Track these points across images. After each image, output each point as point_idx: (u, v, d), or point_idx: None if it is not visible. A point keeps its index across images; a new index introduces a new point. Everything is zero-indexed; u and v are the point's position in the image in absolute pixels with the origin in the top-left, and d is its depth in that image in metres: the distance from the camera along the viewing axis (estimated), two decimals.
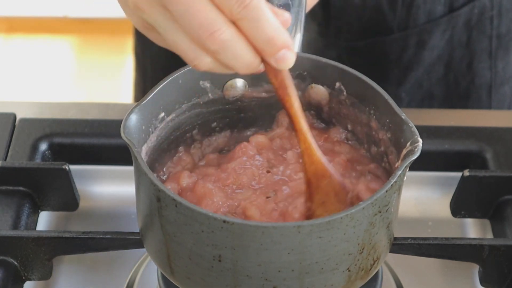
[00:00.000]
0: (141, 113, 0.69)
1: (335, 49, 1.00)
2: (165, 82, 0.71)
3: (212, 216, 0.61)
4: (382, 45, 1.00)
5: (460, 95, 1.05)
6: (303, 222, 0.61)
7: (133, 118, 0.67)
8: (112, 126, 0.90)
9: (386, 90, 0.99)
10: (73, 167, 0.86)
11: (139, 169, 0.65)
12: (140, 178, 0.66)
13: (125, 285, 0.77)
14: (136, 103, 0.69)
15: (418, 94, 1.04)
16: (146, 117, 0.69)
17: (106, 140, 0.89)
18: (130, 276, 0.78)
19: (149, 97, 0.69)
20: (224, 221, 0.60)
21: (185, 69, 0.71)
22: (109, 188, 0.89)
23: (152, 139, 0.71)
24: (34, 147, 0.87)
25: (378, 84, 0.99)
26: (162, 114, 0.71)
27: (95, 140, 0.89)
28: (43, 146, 0.88)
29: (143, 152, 0.69)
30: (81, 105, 0.95)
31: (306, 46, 0.95)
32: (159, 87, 0.70)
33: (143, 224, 0.69)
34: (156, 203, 0.64)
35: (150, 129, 0.70)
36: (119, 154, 0.87)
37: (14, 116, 0.91)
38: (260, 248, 0.61)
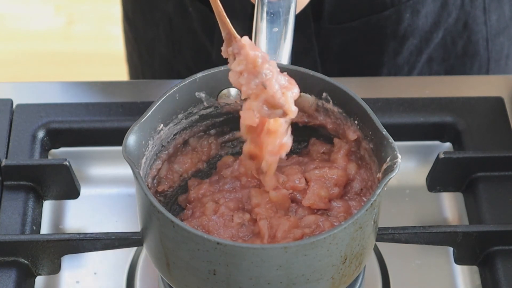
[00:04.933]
0: (141, 130, 0.77)
1: (330, 31, 1.06)
2: (163, 98, 0.79)
3: (207, 238, 0.70)
4: (377, 21, 1.06)
5: (457, 53, 1.12)
6: (289, 243, 0.70)
7: (133, 138, 0.76)
8: (110, 108, 0.98)
9: (383, 62, 1.09)
10: (72, 150, 0.95)
11: (139, 190, 0.74)
12: (140, 197, 0.75)
13: (125, 285, 0.87)
14: (135, 122, 0.77)
15: (417, 61, 1.11)
16: (145, 132, 0.78)
17: (103, 124, 0.98)
18: (129, 275, 0.88)
19: (147, 115, 0.78)
20: (218, 243, 0.70)
21: (181, 84, 0.80)
22: (109, 170, 0.97)
23: (150, 148, 0.80)
24: (34, 136, 0.96)
25: (375, 56, 1.08)
26: (161, 126, 0.80)
27: (93, 124, 0.98)
28: (42, 134, 0.96)
29: (142, 162, 0.78)
30: (78, 85, 1.03)
31: (301, 31, 1.03)
32: (157, 104, 0.79)
33: (144, 231, 0.78)
34: (156, 221, 0.73)
35: (150, 142, 0.79)
36: (119, 136, 0.96)
37: (11, 102, 0.99)
38: (251, 265, 0.71)
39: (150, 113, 0.79)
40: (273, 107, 0.75)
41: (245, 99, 0.84)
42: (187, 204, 0.83)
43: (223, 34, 0.76)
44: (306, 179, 0.81)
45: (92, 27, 2.30)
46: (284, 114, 0.75)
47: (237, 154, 0.87)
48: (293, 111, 0.75)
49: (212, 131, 0.86)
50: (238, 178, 0.83)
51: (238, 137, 0.87)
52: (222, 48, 0.76)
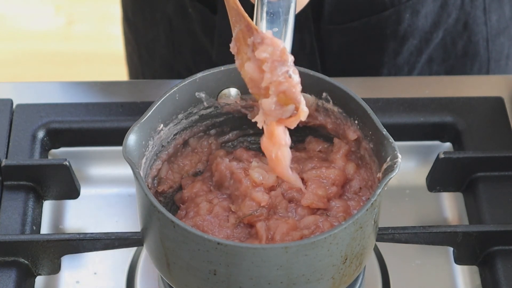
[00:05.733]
0: (141, 130, 0.77)
1: (330, 31, 1.06)
2: (163, 98, 0.79)
3: (207, 238, 0.70)
4: (376, 22, 1.06)
5: (457, 54, 1.12)
6: (290, 243, 0.70)
7: (133, 138, 0.76)
8: (110, 108, 0.98)
9: (383, 62, 1.09)
10: (72, 150, 0.96)
11: (139, 190, 0.74)
12: (140, 197, 0.75)
13: (125, 285, 0.87)
14: (135, 122, 0.77)
15: (417, 61, 1.11)
16: (145, 132, 0.78)
17: (103, 124, 0.98)
18: (129, 275, 0.88)
19: (147, 115, 0.78)
20: (218, 243, 0.70)
21: (181, 84, 0.80)
22: (109, 170, 0.97)
23: (150, 148, 0.80)
24: (34, 136, 0.96)
25: (375, 57, 1.08)
26: (161, 126, 0.80)
27: (93, 124, 0.98)
28: (42, 134, 0.96)
29: (142, 162, 0.78)
30: (78, 85, 1.03)
31: (301, 32, 1.03)
32: (157, 104, 0.79)
33: (144, 232, 0.78)
34: (156, 221, 0.73)
35: (150, 142, 0.79)
36: (119, 136, 0.96)
37: (11, 102, 0.99)
38: (251, 266, 0.71)
39: (150, 113, 0.79)
40: (286, 102, 0.74)
41: (244, 99, 0.84)
42: (181, 204, 0.83)
43: (238, 28, 0.75)
44: (304, 179, 0.81)
45: (92, 27, 2.30)
46: (295, 111, 0.74)
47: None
48: (305, 111, 0.75)
49: (212, 131, 0.86)
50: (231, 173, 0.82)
51: (238, 137, 0.87)
52: (231, 44, 0.76)
